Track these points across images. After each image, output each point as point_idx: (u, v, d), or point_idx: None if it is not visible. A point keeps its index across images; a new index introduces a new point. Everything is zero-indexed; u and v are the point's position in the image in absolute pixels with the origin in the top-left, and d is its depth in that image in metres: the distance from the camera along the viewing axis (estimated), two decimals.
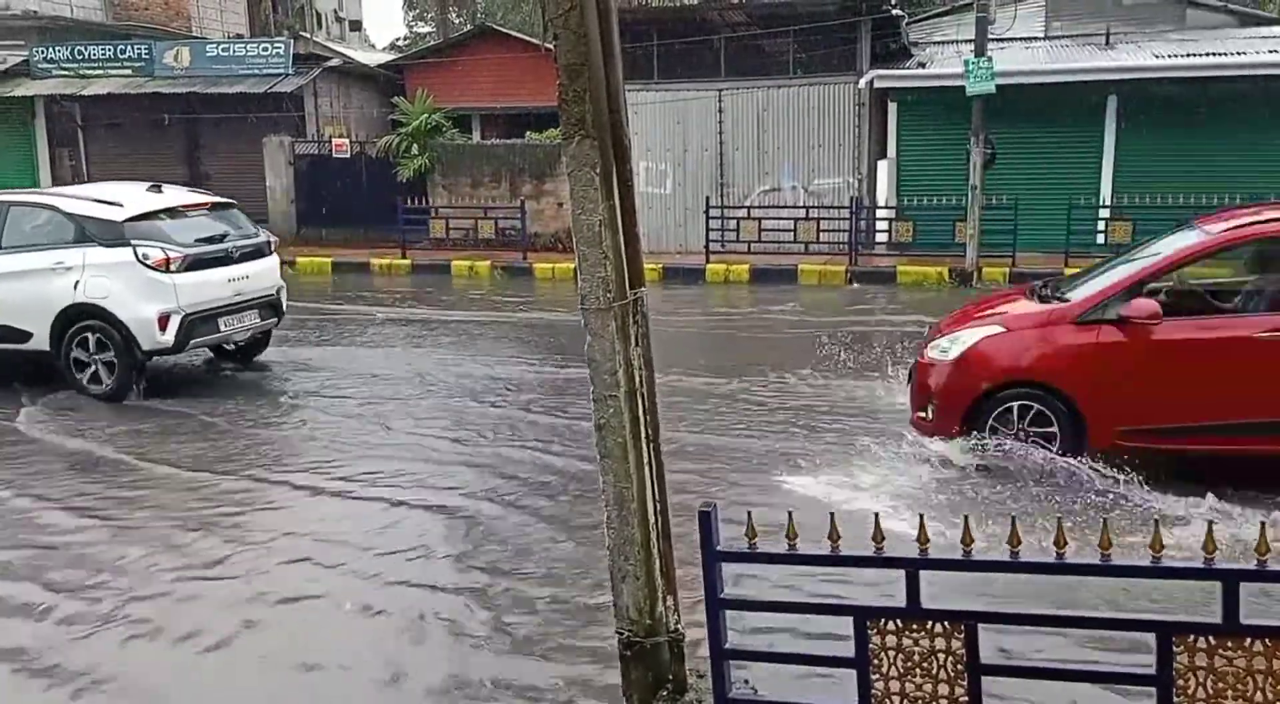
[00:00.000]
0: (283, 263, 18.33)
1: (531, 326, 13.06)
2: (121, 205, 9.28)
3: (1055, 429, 6.50)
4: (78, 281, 9.11)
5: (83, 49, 22.91)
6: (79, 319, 9.18)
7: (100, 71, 22.69)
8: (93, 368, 9.28)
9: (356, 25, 41.33)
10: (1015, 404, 6.57)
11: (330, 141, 21.87)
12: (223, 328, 9.67)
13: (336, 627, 4.95)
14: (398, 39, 47.80)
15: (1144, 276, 6.55)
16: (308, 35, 29.57)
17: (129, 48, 22.97)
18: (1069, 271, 15.26)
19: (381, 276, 18.08)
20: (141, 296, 9.06)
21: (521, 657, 4.56)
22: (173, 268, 9.09)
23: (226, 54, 22.67)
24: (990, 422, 6.60)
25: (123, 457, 7.75)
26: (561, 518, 6.26)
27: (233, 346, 10.72)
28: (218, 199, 10.41)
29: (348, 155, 21.51)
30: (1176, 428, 6.36)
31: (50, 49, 22.97)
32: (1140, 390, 6.37)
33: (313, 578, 5.47)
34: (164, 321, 9.09)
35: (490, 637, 4.76)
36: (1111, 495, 6.15)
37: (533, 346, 11.69)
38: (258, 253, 10.10)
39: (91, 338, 9.21)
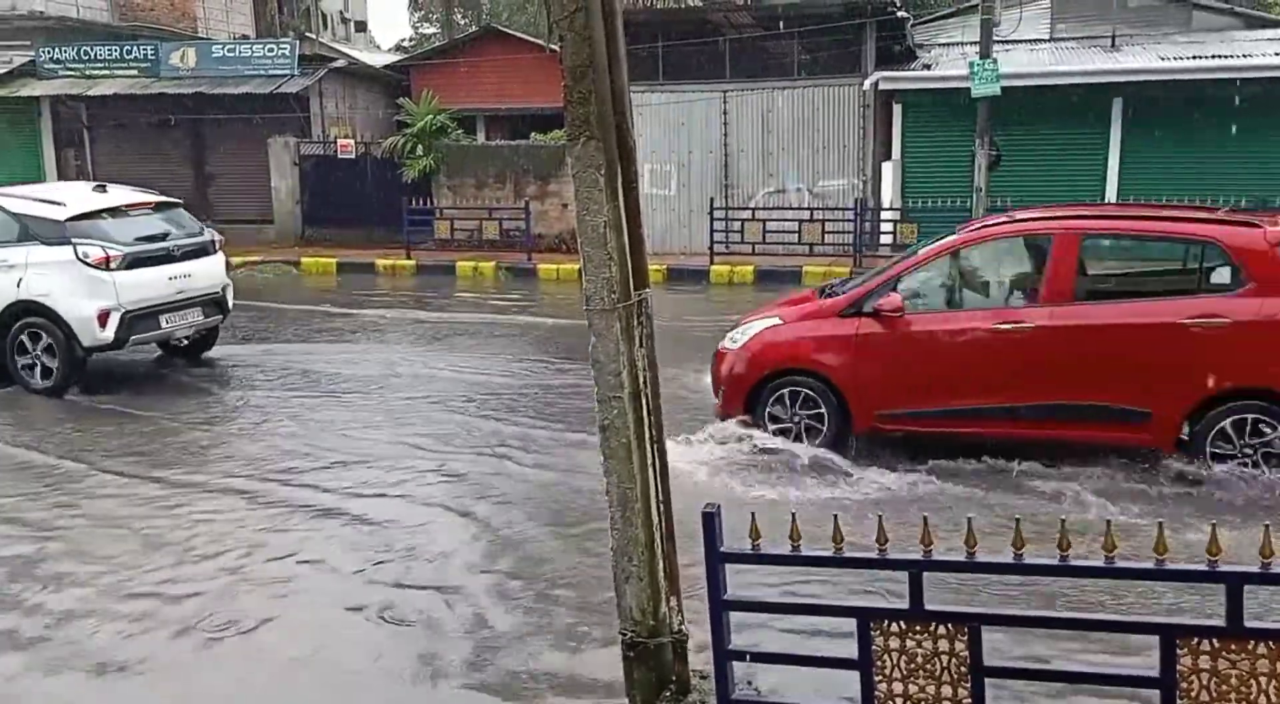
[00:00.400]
0: (288, 263, 18.70)
1: (528, 329, 13.07)
2: (63, 205, 9.51)
3: (824, 412, 7.14)
4: (20, 279, 9.36)
5: (89, 49, 22.96)
6: (23, 316, 9.45)
7: (106, 72, 22.73)
8: (36, 364, 9.51)
9: (362, 26, 41.42)
10: (788, 390, 7.24)
11: (335, 142, 21.90)
12: (164, 325, 9.92)
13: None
14: (403, 40, 47.87)
15: (895, 274, 7.20)
16: (313, 36, 29.63)
17: (135, 48, 23.02)
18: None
19: (386, 277, 18.10)
20: (82, 294, 9.29)
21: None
22: (112, 266, 9.35)
23: (232, 55, 22.70)
24: (769, 406, 7.26)
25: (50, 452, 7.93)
26: (486, 521, 6.26)
27: (180, 343, 10.95)
28: (162, 199, 10.64)
29: (353, 156, 21.53)
30: (927, 412, 6.96)
31: (56, 49, 23.01)
32: (893, 377, 7.00)
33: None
34: (104, 318, 9.31)
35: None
36: (843, 473, 6.86)
37: (531, 349, 11.69)
38: (201, 251, 10.33)
39: (34, 334, 9.44)
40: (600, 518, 4.37)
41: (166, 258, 9.85)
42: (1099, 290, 6.95)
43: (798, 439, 7.17)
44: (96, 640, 4.83)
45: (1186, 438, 6.57)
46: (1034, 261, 7.04)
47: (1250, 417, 6.32)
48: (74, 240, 9.27)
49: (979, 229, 7.40)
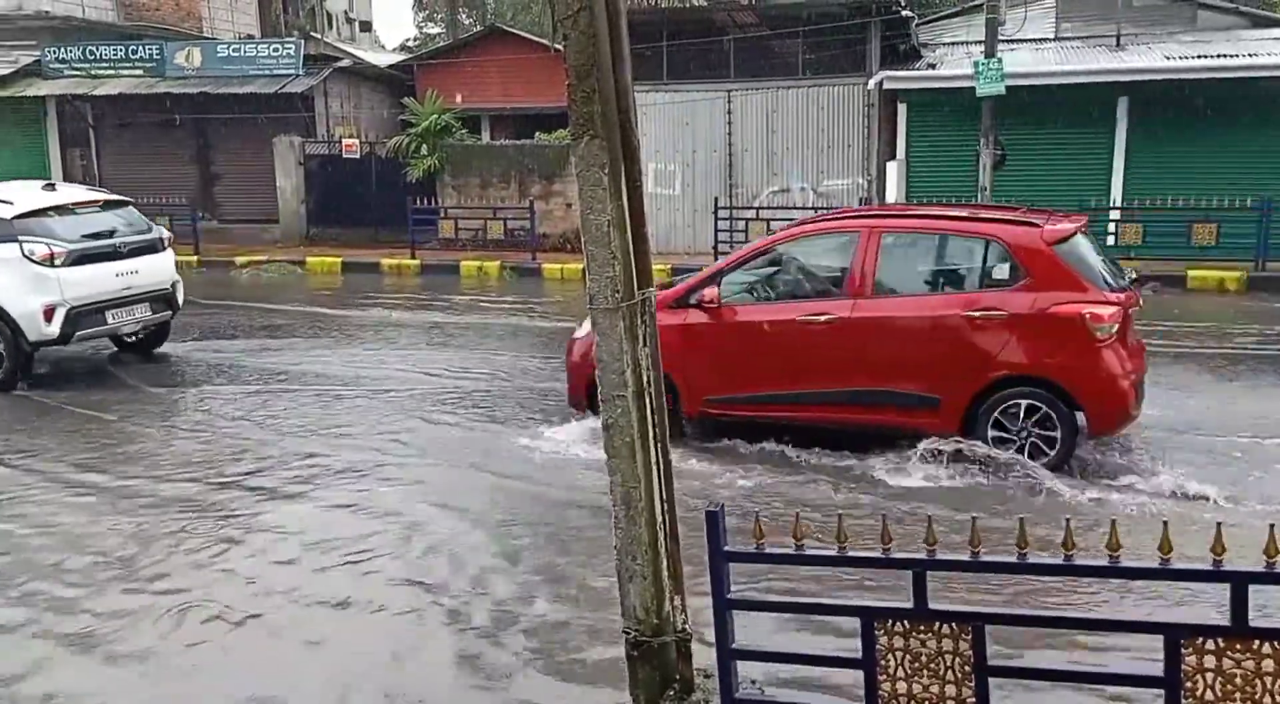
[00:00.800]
0: (292, 263, 18.71)
1: (521, 331, 13.07)
2: (11, 203, 9.72)
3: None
4: None
5: (94, 49, 23.00)
6: None
7: (112, 72, 22.78)
8: None
9: (367, 26, 41.44)
10: None
11: (340, 142, 21.92)
12: (110, 321, 10.13)
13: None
14: (408, 40, 47.89)
15: (720, 268, 7.73)
16: (318, 36, 29.68)
17: (140, 48, 23.06)
18: None
19: (391, 277, 18.11)
20: (27, 290, 9.52)
21: None
22: (57, 262, 9.57)
23: (237, 54, 22.74)
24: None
25: None
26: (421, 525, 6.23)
27: (131, 339, 11.19)
28: (111, 196, 10.90)
29: (358, 155, 21.55)
30: (747, 397, 7.45)
31: (62, 49, 23.06)
32: (717, 365, 7.47)
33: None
34: (49, 314, 9.54)
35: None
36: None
37: (522, 346, 11.69)
38: (150, 248, 10.58)
39: None
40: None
41: (113, 254, 10.10)
42: (896, 285, 7.31)
43: None
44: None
45: (972, 422, 6.94)
46: (840, 258, 7.45)
47: (1025, 402, 6.79)
48: (20, 238, 9.49)
49: (792, 227, 8.05)
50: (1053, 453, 6.74)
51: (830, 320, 7.15)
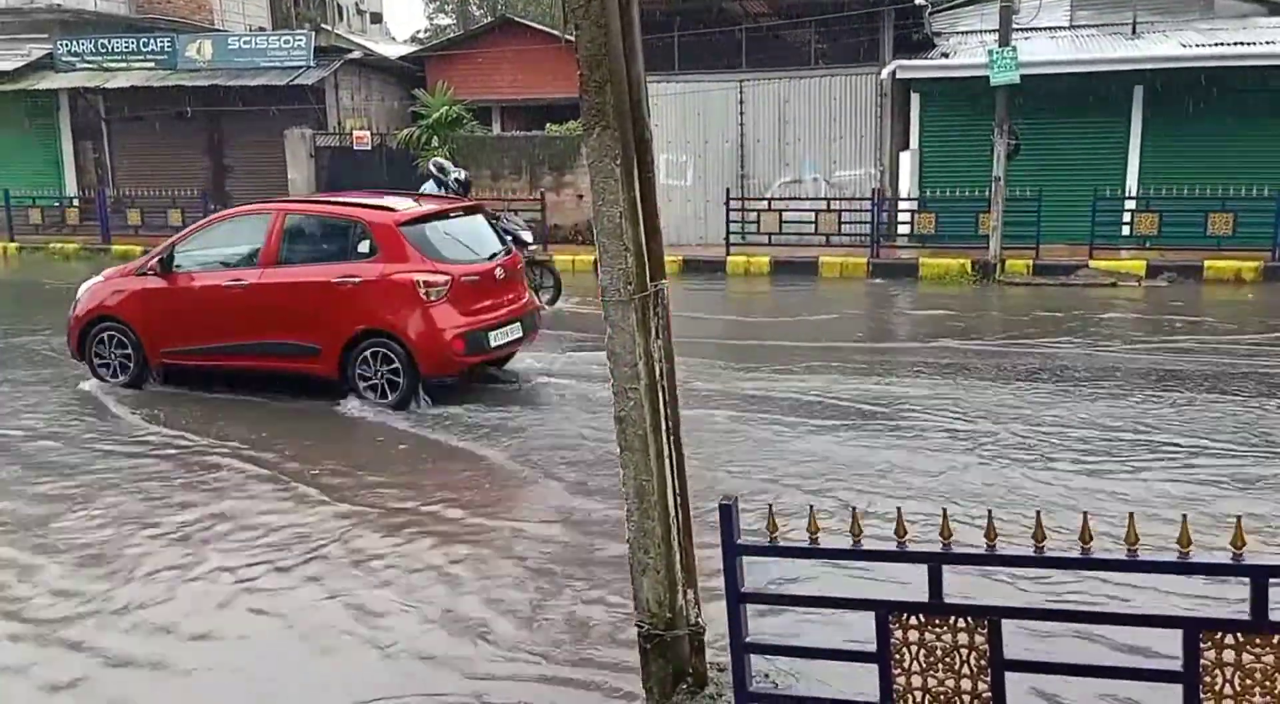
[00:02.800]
0: None
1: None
2: None
3: (130, 351, 9.14)
4: None
5: (106, 42, 23.06)
6: None
7: (123, 64, 22.83)
8: None
9: (377, 18, 41.37)
10: (106, 334, 9.20)
11: (351, 134, 21.93)
12: None
13: None
14: (418, 31, 47.89)
15: (174, 242, 9.20)
16: (329, 28, 29.64)
17: (152, 41, 23.11)
18: (1093, 264, 15.22)
19: None
20: None
21: None
22: None
23: (248, 47, 22.76)
24: (94, 346, 9.27)
25: None
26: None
27: None
28: None
29: (369, 147, 21.56)
30: (191, 349, 8.96)
31: (74, 42, 23.12)
32: (168, 323, 8.97)
33: None
34: None
35: None
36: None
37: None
38: None
39: None
40: None
41: None
42: (294, 257, 8.74)
43: (114, 375, 9.22)
44: None
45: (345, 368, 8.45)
46: (258, 235, 8.83)
47: (380, 351, 8.32)
48: None
49: (228, 209, 9.96)
50: (396, 394, 8.32)
51: (245, 285, 8.67)
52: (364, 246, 8.44)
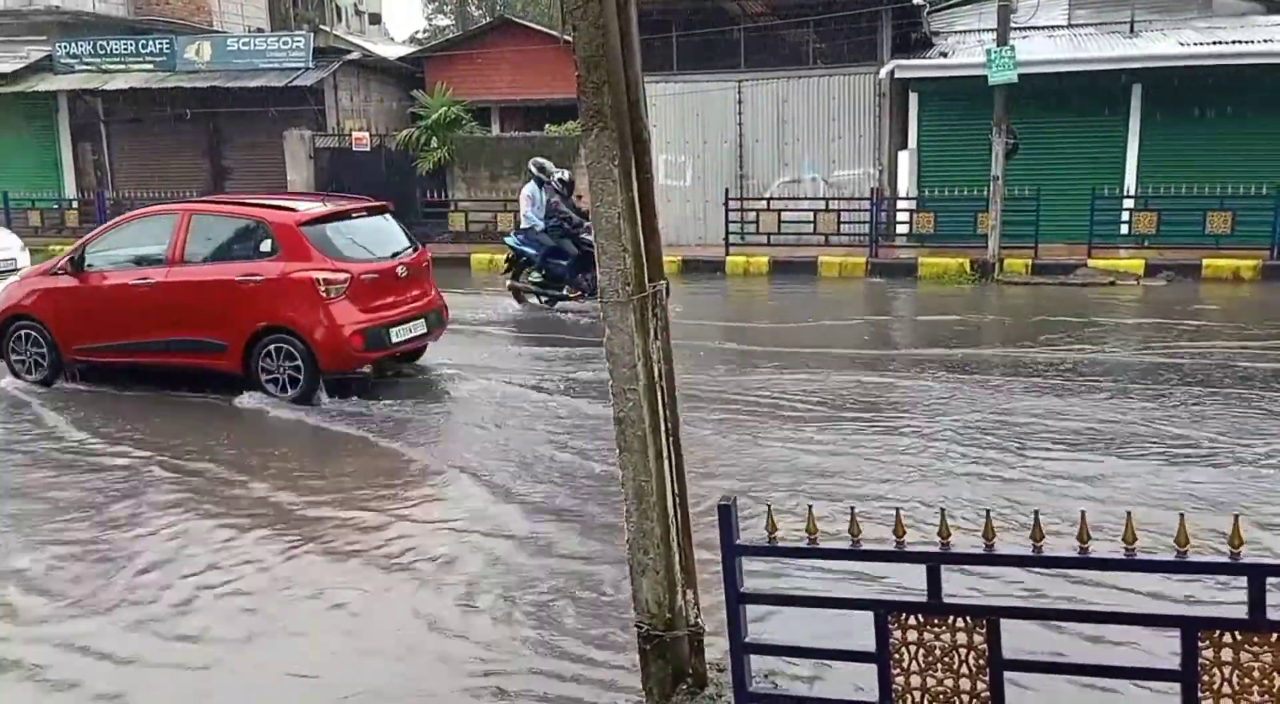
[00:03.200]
0: None
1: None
2: None
3: (45, 349, 9.39)
4: None
5: (104, 44, 23.05)
6: None
7: (122, 66, 22.83)
8: None
9: (376, 18, 41.38)
10: (23, 332, 9.44)
11: (350, 135, 21.93)
12: None
13: None
14: (417, 32, 47.84)
15: (85, 242, 9.44)
16: (327, 29, 29.63)
17: (150, 42, 23.10)
18: (1091, 263, 15.22)
19: None
20: None
21: None
22: None
23: (247, 48, 22.76)
24: (10, 344, 9.52)
25: None
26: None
27: None
28: None
29: (368, 148, 21.56)
30: (101, 346, 9.19)
31: (72, 44, 23.11)
32: (79, 321, 9.20)
33: None
34: None
35: None
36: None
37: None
38: None
39: None
40: None
41: None
42: (199, 255, 8.96)
43: (30, 372, 9.49)
44: None
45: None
46: (165, 234, 9.04)
47: (282, 346, 8.55)
48: None
49: (137, 210, 10.15)
50: (296, 388, 8.55)
51: (153, 284, 8.89)
52: (266, 246, 8.69)
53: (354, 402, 8.67)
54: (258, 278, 8.58)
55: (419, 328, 9.23)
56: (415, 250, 9.53)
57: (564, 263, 13.00)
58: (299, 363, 8.53)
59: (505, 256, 13.70)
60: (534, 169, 13.28)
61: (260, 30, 28.44)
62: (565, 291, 13.10)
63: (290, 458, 7.43)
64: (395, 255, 9.20)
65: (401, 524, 6.03)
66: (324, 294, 8.47)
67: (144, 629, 4.76)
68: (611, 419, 3.59)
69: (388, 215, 9.66)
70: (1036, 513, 3.07)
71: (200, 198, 11.28)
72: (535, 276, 13.25)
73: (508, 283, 13.58)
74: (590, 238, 12.35)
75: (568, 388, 9.09)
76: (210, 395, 8.95)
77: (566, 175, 13.39)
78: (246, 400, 8.67)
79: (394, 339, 8.93)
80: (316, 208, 9.06)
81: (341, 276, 8.53)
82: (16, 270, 11.80)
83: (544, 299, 13.27)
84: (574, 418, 8.13)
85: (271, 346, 8.60)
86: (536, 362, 10.38)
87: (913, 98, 17.86)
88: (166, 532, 5.96)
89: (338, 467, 7.20)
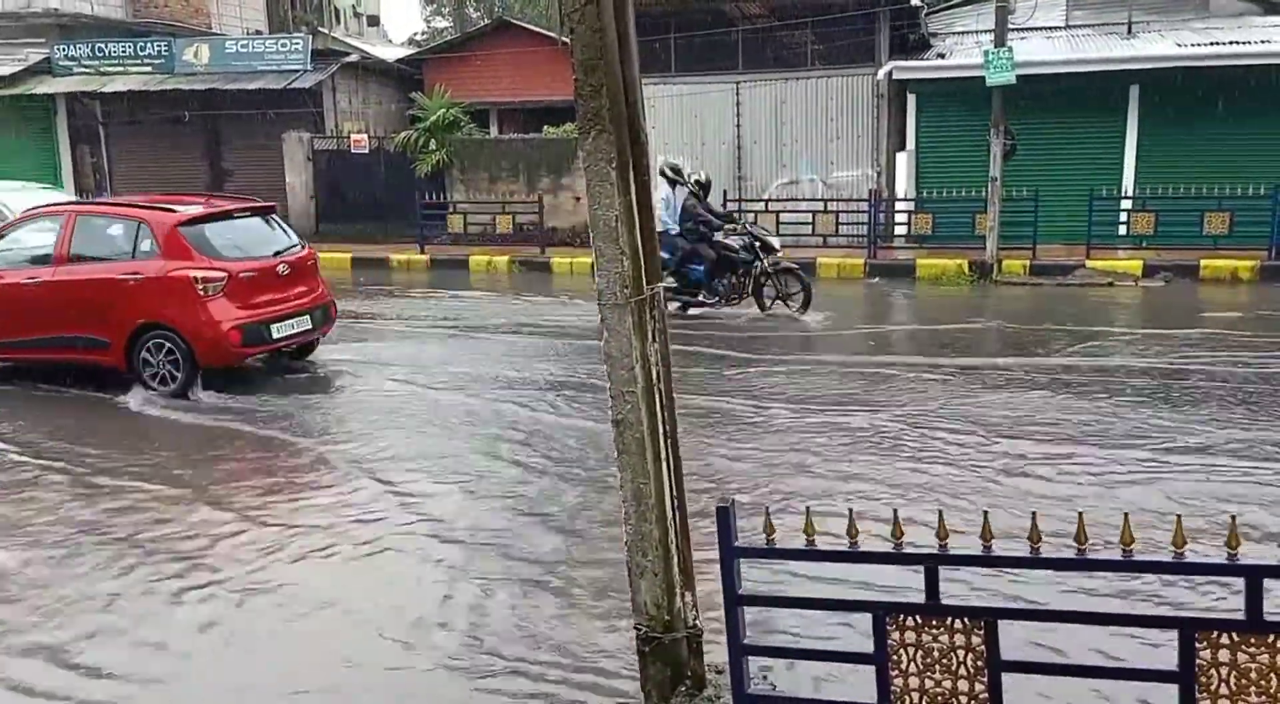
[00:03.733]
0: None
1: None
2: None
3: None
4: None
5: (103, 46, 23.05)
6: None
7: (120, 69, 22.83)
8: None
9: (374, 20, 41.44)
10: None
11: (349, 137, 21.93)
12: None
13: None
14: (415, 34, 47.81)
15: None
16: (326, 31, 29.62)
17: (149, 45, 23.10)
18: (1090, 264, 15.23)
19: (400, 272, 18.12)
20: None
21: None
22: None
23: (245, 50, 22.76)
24: None
25: None
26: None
27: None
28: None
29: (366, 151, 21.55)
30: (7, 342, 9.47)
31: (71, 46, 23.11)
32: None
33: None
34: None
35: None
36: None
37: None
38: None
39: None
40: None
41: None
42: (85, 255, 9.26)
43: None
44: None
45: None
46: (53, 234, 9.35)
47: (162, 343, 8.89)
48: None
49: (31, 211, 10.19)
50: (175, 383, 8.88)
51: (40, 282, 9.22)
52: (146, 245, 9.02)
53: (236, 396, 8.97)
54: (139, 276, 8.90)
55: (303, 324, 9.56)
56: (301, 249, 9.85)
57: (700, 268, 12.37)
58: (177, 358, 8.87)
59: None
60: (668, 171, 12.55)
61: (258, 32, 28.46)
62: (701, 297, 12.50)
63: (159, 450, 7.67)
64: (278, 254, 9.49)
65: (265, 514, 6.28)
66: (201, 292, 8.81)
67: None
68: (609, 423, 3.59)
69: (272, 216, 9.97)
70: (1034, 514, 3.07)
71: (90, 201, 12.08)
72: (669, 281, 12.25)
73: None
74: (727, 240, 12.34)
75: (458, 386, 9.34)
76: (108, 392, 9.22)
77: (702, 175, 12.79)
78: (134, 396, 8.97)
79: (275, 335, 9.28)
80: (196, 209, 9.38)
81: (218, 275, 8.88)
82: None
83: (678, 305, 12.48)
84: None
85: (151, 342, 8.93)
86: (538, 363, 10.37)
87: (911, 99, 17.88)
88: None
89: (205, 459, 7.45)
